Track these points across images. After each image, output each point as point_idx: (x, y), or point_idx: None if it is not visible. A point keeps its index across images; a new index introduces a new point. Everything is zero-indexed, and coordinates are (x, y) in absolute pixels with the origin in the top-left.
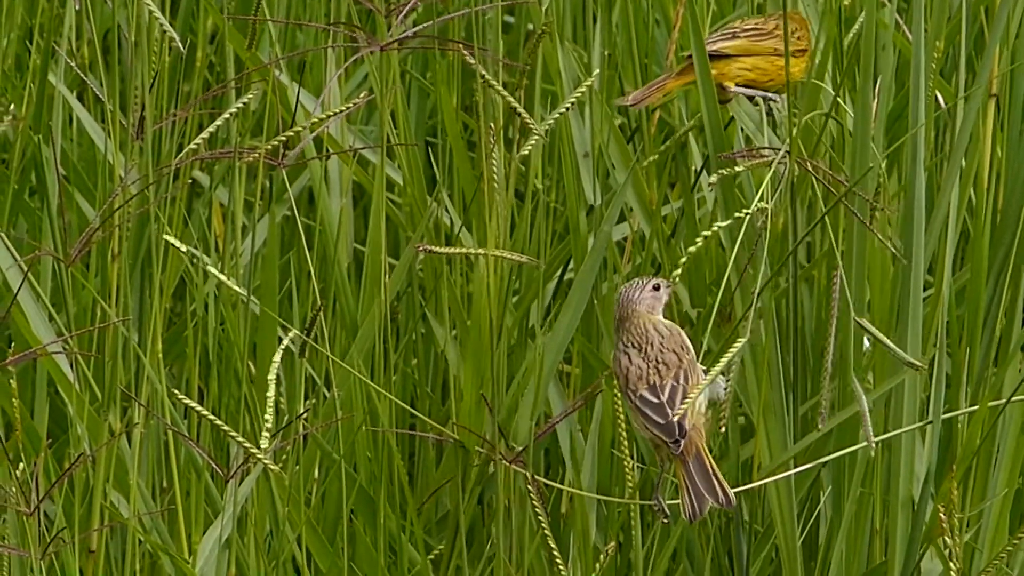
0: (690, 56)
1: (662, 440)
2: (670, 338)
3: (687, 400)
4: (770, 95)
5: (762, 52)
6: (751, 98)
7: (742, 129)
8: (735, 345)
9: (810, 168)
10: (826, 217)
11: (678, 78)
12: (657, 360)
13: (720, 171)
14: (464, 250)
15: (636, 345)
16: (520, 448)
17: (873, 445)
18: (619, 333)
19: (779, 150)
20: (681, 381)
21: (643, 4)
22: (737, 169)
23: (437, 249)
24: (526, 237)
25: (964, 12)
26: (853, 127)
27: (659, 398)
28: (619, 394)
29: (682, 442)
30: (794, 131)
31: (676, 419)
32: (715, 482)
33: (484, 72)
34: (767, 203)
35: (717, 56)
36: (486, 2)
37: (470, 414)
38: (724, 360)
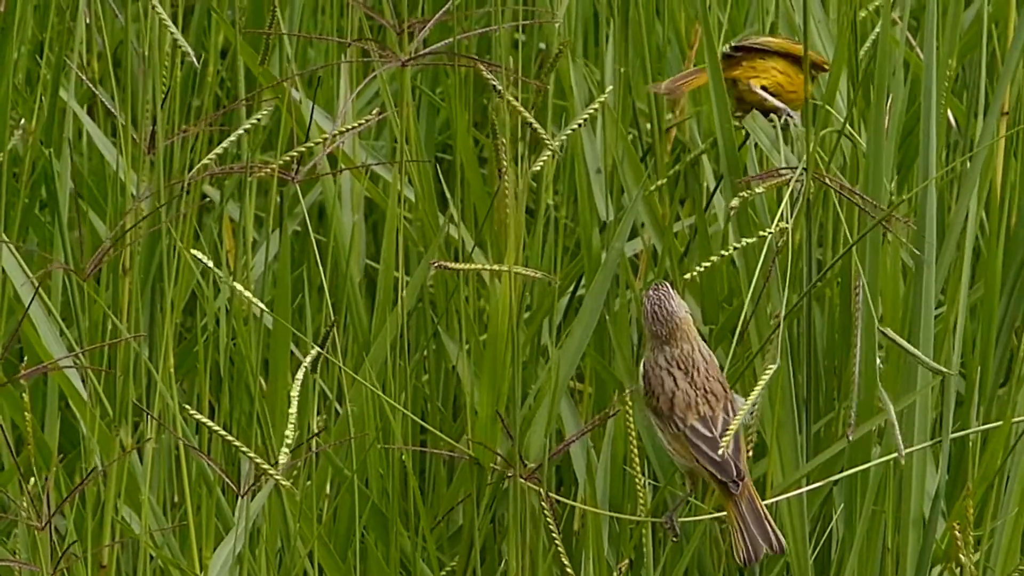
0: (727, 53)
1: (717, 480)
2: (712, 364)
3: (727, 434)
4: (787, 110)
5: (796, 53)
6: (766, 113)
7: (756, 145)
8: (766, 372)
9: (830, 183)
10: (841, 233)
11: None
12: (705, 388)
13: (740, 195)
14: (477, 266)
15: (681, 367)
16: (535, 465)
17: (903, 456)
18: (658, 347)
19: (796, 168)
20: (730, 413)
21: (656, 23)
22: (758, 191)
23: (451, 265)
24: (538, 254)
25: (984, 31)
26: (866, 145)
27: (712, 432)
28: (648, 412)
29: (740, 484)
30: (811, 146)
31: (732, 459)
32: (768, 527)
33: (499, 87)
34: (787, 222)
35: (757, 50)
36: (502, 19)
37: (485, 431)
38: (757, 389)
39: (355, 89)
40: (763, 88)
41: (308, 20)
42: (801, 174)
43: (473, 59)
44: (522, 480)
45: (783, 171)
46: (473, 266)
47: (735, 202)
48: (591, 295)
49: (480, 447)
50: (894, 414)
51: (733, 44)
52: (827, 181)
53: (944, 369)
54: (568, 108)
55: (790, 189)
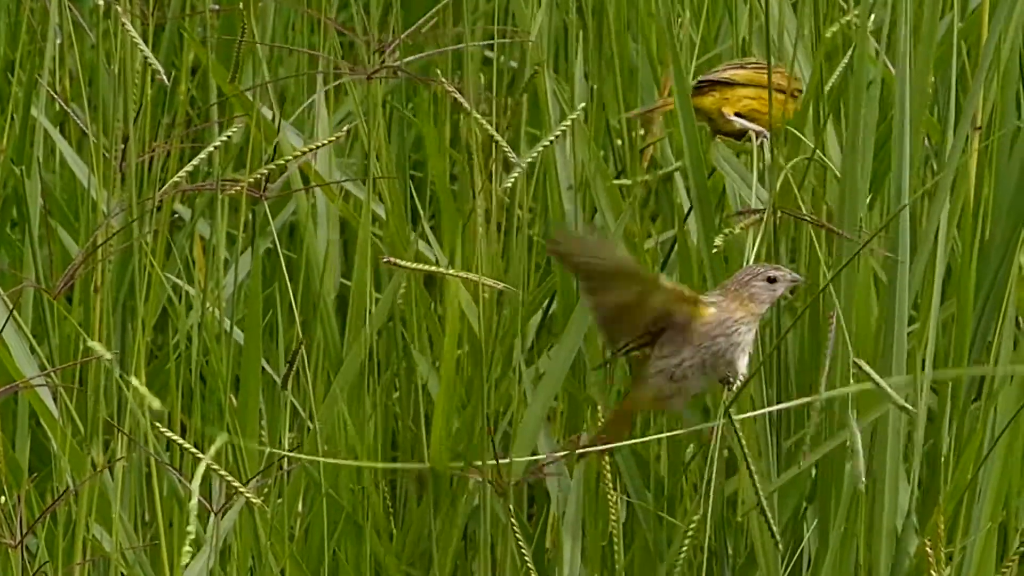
0: (699, 82)
1: None
2: None
3: None
4: (763, 132)
5: (764, 84)
6: (743, 134)
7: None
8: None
9: (802, 217)
10: (812, 246)
11: None
12: None
13: (724, 232)
14: (432, 268)
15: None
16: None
17: (863, 482)
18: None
19: (765, 205)
20: None
21: (627, 40)
22: (737, 229)
23: (402, 263)
24: (511, 269)
25: (954, 44)
26: (842, 170)
27: None
28: None
29: None
30: (778, 184)
31: None
32: None
33: (466, 104)
34: (751, 248)
35: (725, 83)
36: (475, 37)
37: (441, 440)
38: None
39: (328, 107)
40: (737, 115)
41: (280, 40)
42: (770, 210)
43: (435, 81)
44: (493, 492)
45: (757, 210)
46: (425, 267)
47: (719, 240)
48: (573, 323)
49: (439, 458)
50: (859, 443)
51: (700, 79)
52: (799, 216)
53: (908, 406)
54: (542, 124)
55: (764, 224)
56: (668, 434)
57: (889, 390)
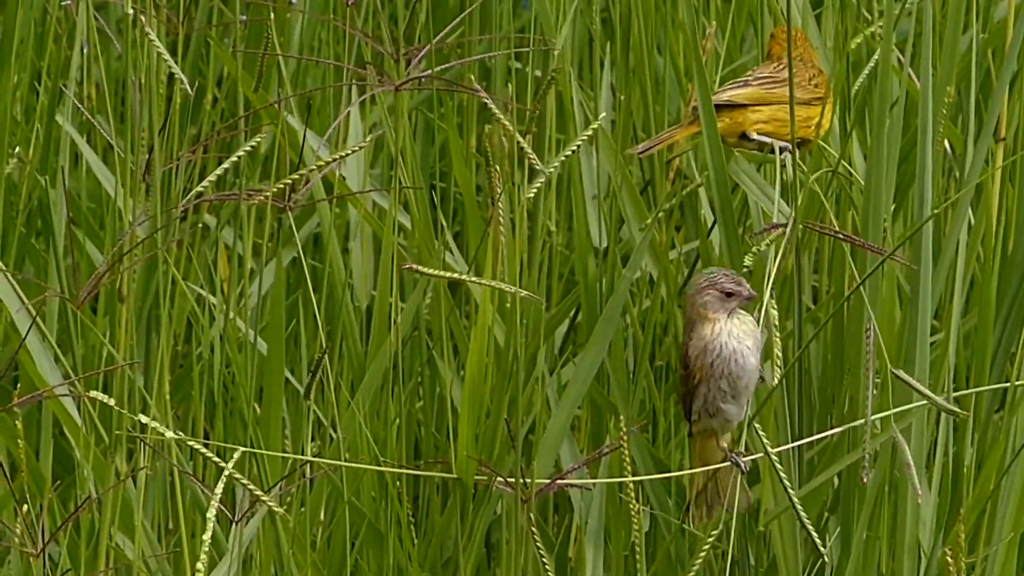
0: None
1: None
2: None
3: None
4: (784, 146)
5: (778, 101)
6: (760, 147)
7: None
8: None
9: (825, 231)
10: (836, 259)
11: (687, 128)
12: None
13: (752, 251)
14: (455, 275)
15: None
16: (535, 492)
17: (920, 494)
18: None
19: (787, 220)
20: None
21: (654, 52)
22: (763, 246)
23: (423, 269)
24: (535, 280)
25: (974, 56)
26: (865, 182)
27: None
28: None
29: None
30: (800, 199)
31: None
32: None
33: (495, 108)
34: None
35: (731, 106)
36: (501, 46)
37: (467, 446)
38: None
39: (353, 116)
40: (758, 134)
41: (306, 50)
42: (793, 223)
43: (464, 88)
44: (513, 499)
45: (780, 224)
46: (447, 274)
47: (748, 260)
48: (598, 332)
49: (463, 467)
50: (910, 456)
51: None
52: (823, 230)
53: (958, 409)
54: (569, 129)
55: (786, 235)
56: (705, 468)
57: (935, 397)
